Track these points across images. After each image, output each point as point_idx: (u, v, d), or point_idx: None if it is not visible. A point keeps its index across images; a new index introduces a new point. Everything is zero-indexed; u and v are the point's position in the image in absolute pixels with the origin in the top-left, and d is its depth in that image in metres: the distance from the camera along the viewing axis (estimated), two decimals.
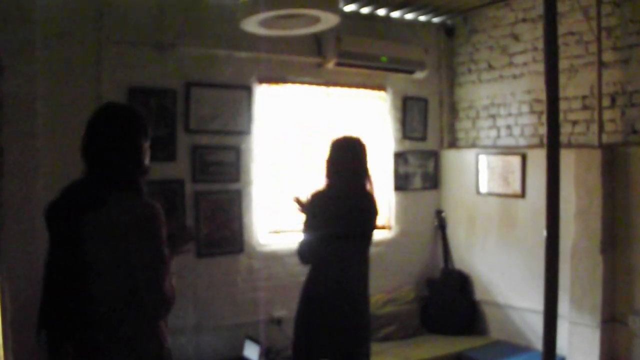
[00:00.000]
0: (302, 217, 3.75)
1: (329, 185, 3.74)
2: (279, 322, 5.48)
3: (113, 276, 2.18)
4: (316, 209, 3.69)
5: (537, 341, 5.20)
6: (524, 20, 5.80)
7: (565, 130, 5.28)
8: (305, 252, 3.70)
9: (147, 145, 2.39)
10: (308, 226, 3.69)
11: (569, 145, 5.22)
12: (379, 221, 3.89)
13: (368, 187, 3.76)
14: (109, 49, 4.80)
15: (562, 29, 5.10)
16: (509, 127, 6.00)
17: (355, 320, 3.71)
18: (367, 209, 3.76)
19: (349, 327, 3.67)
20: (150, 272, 2.18)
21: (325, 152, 3.80)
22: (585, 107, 5.20)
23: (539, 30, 5.45)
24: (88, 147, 2.30)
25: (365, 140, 3.83)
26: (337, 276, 3.66)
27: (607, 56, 4.99)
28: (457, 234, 6.37)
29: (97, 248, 2.17)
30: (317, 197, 3.71)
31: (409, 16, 6.26)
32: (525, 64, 5.80)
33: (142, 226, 2.18)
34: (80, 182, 2.30)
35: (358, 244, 3.74)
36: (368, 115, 6.23)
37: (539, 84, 5.18)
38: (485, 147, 6.20)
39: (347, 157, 3.71)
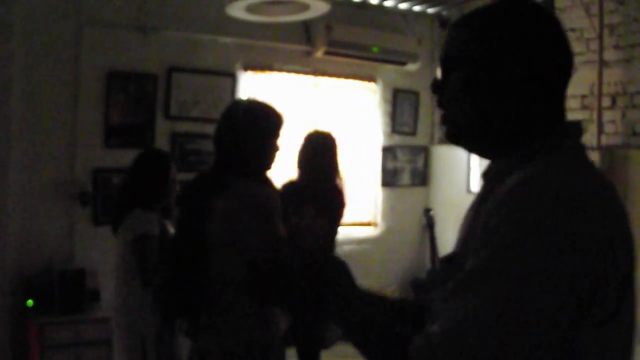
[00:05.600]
0: None
1: (299, 177, 3.90)
2: None
3: (228, 259, 2.33)
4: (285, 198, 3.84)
5: None
6: None
7: None
8: None
9: (275, 141, 2.55)
10: None
11: None
12: (346, 214, 4.02)
13: (337, 182, 3.91)
14: (89, 31, 4.73)
15: None
16: None
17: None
18: (331, 202, 3.87)
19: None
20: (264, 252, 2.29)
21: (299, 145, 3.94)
22: (584, 107, 5.07)
23: None
24: (220, 138, 2.51)
25: (336, 135, 3.95)
26: None
27: (609, 55, 4.85)
28: (445, 234, 6.20)
29: (219, 230, 2.37)
30: (288, 186, 3.89)
31: (403, 6, 6.09)
32: None
33: (256, 210, 2.37)
34: (211, 170, 2.56)
35: None
36: (356, 107, 6.14)
37: None
38: None
39: (316, 151, 3.84)
